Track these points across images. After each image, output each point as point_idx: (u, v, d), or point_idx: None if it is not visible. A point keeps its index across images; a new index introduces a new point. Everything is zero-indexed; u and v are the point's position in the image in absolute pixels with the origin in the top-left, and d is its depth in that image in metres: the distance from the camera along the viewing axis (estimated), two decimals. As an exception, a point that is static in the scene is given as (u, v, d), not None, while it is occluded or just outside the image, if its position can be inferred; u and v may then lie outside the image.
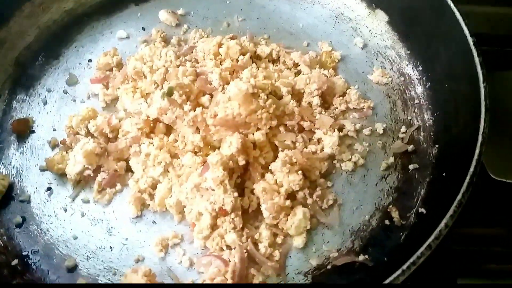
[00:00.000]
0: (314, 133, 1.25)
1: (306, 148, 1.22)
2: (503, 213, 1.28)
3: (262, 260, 1.08)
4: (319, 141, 1.25)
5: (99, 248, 1.12)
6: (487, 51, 1.44)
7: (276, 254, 1.09)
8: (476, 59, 1.09)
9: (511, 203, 1.28)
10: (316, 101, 1.28)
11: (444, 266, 1.22)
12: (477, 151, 0.97)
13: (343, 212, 1.16)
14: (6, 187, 1.18)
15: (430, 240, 0.88)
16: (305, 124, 1.24)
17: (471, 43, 1.11)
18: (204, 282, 1.05)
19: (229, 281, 1.03)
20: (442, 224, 0.89)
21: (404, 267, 0.86)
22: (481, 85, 1.06)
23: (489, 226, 1.28)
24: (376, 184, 1.20)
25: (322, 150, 1.23)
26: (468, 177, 0.94)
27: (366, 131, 1.27)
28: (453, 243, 1.23)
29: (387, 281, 0.85)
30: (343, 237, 1.12)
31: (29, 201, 1.19)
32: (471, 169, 0.95)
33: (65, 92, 1.37)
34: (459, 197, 0.92)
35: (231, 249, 1.09)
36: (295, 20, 1.51)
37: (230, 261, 1.06)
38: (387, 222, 1.13)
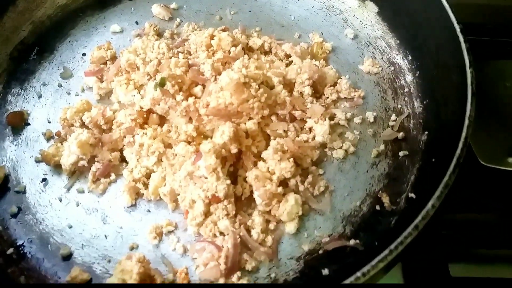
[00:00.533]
0: (306, 122, 1.27)
1: (298, 136, 1.24)
2: (493, 199, 1.30)
3: (254, 246, 1.09)
4: (310, 129, 1.26)
5: (94, 236, 1.14)
6: (476, 40, 1.47)
7: (269, 240, 1.11)
8: (463, 45, 1.11)
9: (500, 189, 1.30)
10: (307, 90, 1.29)
11: (435, 252, 1.24)
12: (463, 134, 0.99)
13: (334, 199, 1.17)
14: (1, 179, 1.19)
15: (417, 220, 0.90)
16: (297, 113, 1.26)
17: (458, 30, 1.13)
18: (198, 267, 1.07)
19: (222, 266, 1.04)
20: (429, 205, 0.91)
21: (392, 246, 0.88)
22: (468, 70, 1.07)
23: (479, 211, 1.30)
24: (367, 171, 1.22)
25: (313, 138, 1.25)
26: (454, 159, 0.95)
27: (357, 120, 1.29)
28: (443, 228, 1.26)
29: (375, 261, 0.87)
30: (334, 223, 1.14)
31: (24, 192, 1.20)
32: (458, 151, 0.96)
33: (60, 85, 1.38)
34: (445, 178, 0.94)
35: (224, 235, 1.10)
36: (286, 13, 1.53)
37: (223, 247, 1.07)
38: (377, 207, 1.15)
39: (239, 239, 1.08)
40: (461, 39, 1.11)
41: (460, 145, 0.97)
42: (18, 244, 1.12)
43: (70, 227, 1.15)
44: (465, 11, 1.33)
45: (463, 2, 1.67)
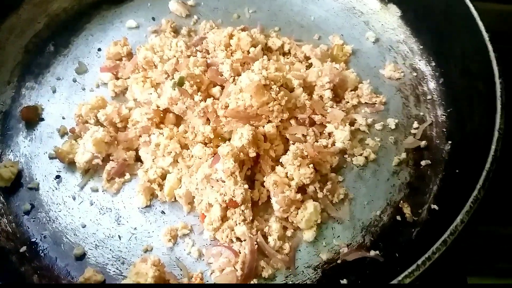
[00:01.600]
0: (325, 126, 1.24)
1: (317, 142, 1.21)
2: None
3: (271, 252, 1.07)
4: (330, 135, 1.24)
5: (108, 237, 1.12)
6: (503, 48, 1.43)
7: (286, 247, 1.09)
8: (492, 55, 1.08)
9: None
10: (327, 94, 1.26)
11: (453, 264, 1.21)
12: (493, 147, 0.96)
13: (354, 207, 1.15)
14: (15, 174, 1.17)
15: (445, 235, 0.87)
16: (316, 118, 1.23)
17: (487, 39, 1.10)
18: (214, 272, 1.05)
19: (239, 272, 1.02)
20: (458, 219, 0.88)
21: (419, 262, 0.86)
22: (497, 81, 1.04)
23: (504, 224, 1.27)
24: (388, 179, 1.19)
25: (333, 144, 1.22)
26: (484, 173, 0.93)
27: (377, 126, 1.26)
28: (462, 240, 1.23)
29: (401, 276, 0.85)
30: (353, 232, 1.12)
31: (37, 189, 1.18)
32: (488, 165, 0.94)
33: (74, 80, 1.36)
34: (475, 192, 0.91)
35: (241, 241, 1.08)
36: (306, 13, 1.50)
37: (240, 252, 1.05)
38: (398, 217, 1.13)
39: (256, 246, 1.06)
40: (490, 48, 1.09)
41: (490, 158, 0.94)
42: (31, 242, 1.10)
43: (84, 226, 1.13)
44: (490, 19, 1.31)
45: (487, 8, 1.66)
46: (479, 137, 1.05)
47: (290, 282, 1.05)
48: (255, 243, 1.06)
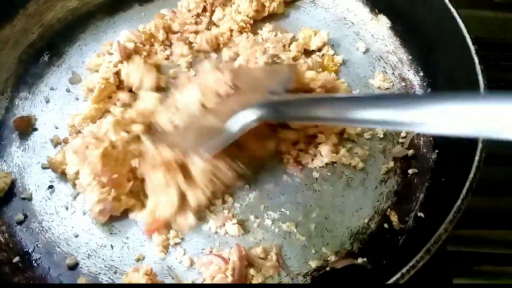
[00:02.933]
0: (316, 136, 1.26)
1: (307, 152, 1.23)
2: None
3: (259, 262, 1.09)
4: (317, 145, 1.25)
5: (100, 246, 1.13)
6: (487, 55, 1.47)
7: (271, 254, 1.11)
8: (478, 68, 1.10)
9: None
10: None
11: (439, 267, 1.24)
12: (476, 157, 0.98)
13: (342, 215, 1.17)
14: (8, 185, 1.18)
15: (429, 244, 0.89)
16: (311, 131, 1.25)
17: (473, 52, 1.13)
18: (205, 281, 1.06)
19: (229, 278, 1.04)
20: (441, 229, 0.91)
21: (404, 270, 0.88)
22: (482, 93, 1.07)
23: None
24: (376, 187, 1.21)
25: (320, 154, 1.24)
26: (467, 183, 0.95)
27: (366, 135, 1.28)
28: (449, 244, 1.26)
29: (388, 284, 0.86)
30: (342, 239, 1.14)
31: (30, 199, 1.19)
32: (471, 175, 0.96)
33: (68, 90, 1.37)
34: (458, 202, 0.93)
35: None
36: (297, 23, 1.52)
37: (229, 259, 1.07)
38: (386, 225, 1.15)
39: (244, 251, 1.08)
40: (476, 61, 1.11)
41: (474, 168, 0.96)
42: (24, 252, 1.11)
43: (76, 236, 1.14)
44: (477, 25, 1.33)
45: (475, 15, 1.70)
46: (464, 146, 1.07)
47: (281, 290, 1.07)
48: (243, 249, 1.08)
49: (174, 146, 1.12)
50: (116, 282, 1.08)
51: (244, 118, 1.07)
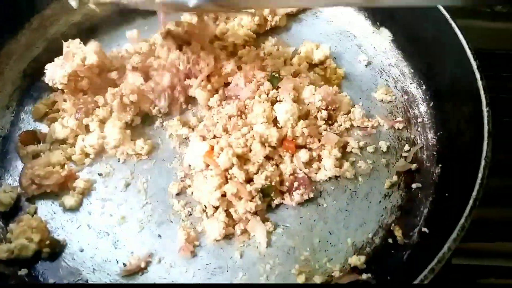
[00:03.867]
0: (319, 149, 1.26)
1: (311, 166, 1.24)
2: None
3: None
4: (319, 157, 1.25)
5: (105, 261, 1.14)
6: (488, 65, 1.47)
7: None
8: (479, 83, 1.11)
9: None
10: (323, 114, 1.29)
11: (444, 281, 1.24)
12: (479, 175, 0.99)
13: (346, 229, 1.17)
14: (14, 199, 1.19)
15: (433, 263, 0.90)
16: (314, 146, 1.25)
17: (475, 67, 1.13)
18: None
19: None
20: (445, 248, 0.91)
21: (409, 289, 0.88)
22: (484, 109, 1.08)
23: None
24: (380, 202, 1.22)
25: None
26: (471, 201, 0.95)
27: (369, 149, 1.29)
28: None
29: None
30: (346, 254, 1.14)
31: (35, 213, 1.20)
32: (474, 193, 0.96)
33: (73, 104, 1.38)
34: (462, 221, 0.94)
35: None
36: (300, 36, 1.53)
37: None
38: (390, 240, 1.15)
39: None
40: (478, 76, 1.12)
41: (477, 186, 0.97)
42: (30, 266, 1.12)
43: (82, 250, 1.15)
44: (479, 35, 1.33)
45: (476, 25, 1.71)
46: (468, 162, 1.08)
47: (284, 304, 1.07)
48: None
49: None
50: (121, 297, 1.08)
51: None
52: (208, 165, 1.20)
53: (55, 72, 1.28)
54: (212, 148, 1.20)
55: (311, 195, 1.20)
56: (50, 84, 1.31)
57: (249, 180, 1.18)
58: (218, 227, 1.14)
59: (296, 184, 1.19)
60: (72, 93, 1.31)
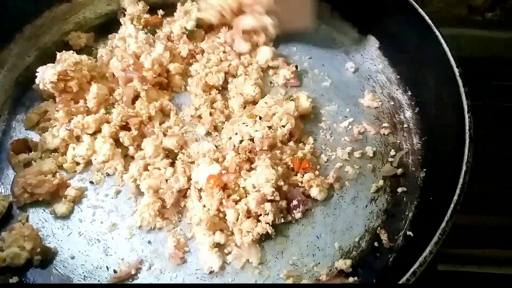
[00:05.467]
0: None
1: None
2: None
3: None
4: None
5: (96, 268, 1.15)
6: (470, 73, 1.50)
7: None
8: (462, 90, 1.13)
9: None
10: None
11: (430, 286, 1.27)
12: (461, 180, 1.01)
13: (334, 234, 1.19)
14: (6, 208, 1.20)
15: (415, 266, 0.92)
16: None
17: (457, 74, 1.16)
18: None
19: None
20: (427, 251, 0.93)
21: (391, 292, 0.90)
22: (466, 115, 1.10)
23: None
24: (366, 206, 1.24)
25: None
26: (452, 206, 0.98)
27: (356, 154, 1.32)
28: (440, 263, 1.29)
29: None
30: (333, 258, 1.16)
31: (27, 221, 1.21)
32: (455, 198, 0.99)
33: (64, 112, 1.40)
34: (443, 224, 0.96)
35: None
36: (288, 44, 1.55)
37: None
38: (376, 244, 1.17)
39: None
40: (460, 83, 1.14)
41: (458, 191, 0.99)
42: (21, 274, 1.13)
43: (73, 257, 1.16)
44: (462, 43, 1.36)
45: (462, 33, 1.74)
46: (451, 167, 1.10)
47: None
48: None
49: None
50: (111, 303, 1.10)
51: None
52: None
53: (46, 72, 1.28)
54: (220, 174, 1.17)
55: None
56: (41, 86, 1.30)
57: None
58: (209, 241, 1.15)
59: (295, 202, 1.20)
60: (61, 94, 1.30)
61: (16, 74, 1.43)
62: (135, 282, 1.13)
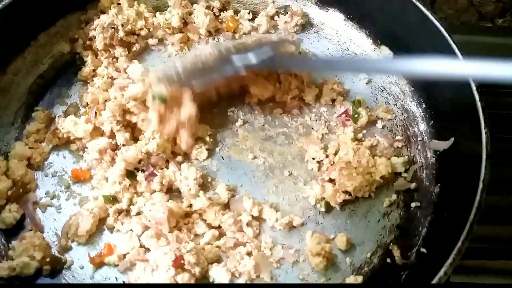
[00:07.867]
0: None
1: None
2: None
3: None
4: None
5: (105, 278, 1.15)
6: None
7: None
8: (478, 105, 1.11)
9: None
10: None
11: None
12: (477, 198, 0.99)
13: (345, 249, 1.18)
14: (17, 220, 1.20)
15: None
16: None
17: (474, 88, 1.14)
18: None
19: None
20: (442, 271, 0.91)
21: (405, 314, 0.88)
22: (483, 131, 1.08)
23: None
24: (379, 221, 1.22)
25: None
26: (468, 225, 0.95)
27: (369, 167, 1.30)
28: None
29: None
30: (344, 274, 1.14)
31: (42, 231, 1.21)
32: (471, 216, 0.96)
33: (78, 120, 1.40)
34: (458, 245, 0.94)
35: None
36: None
37: None
38: (388, 260, 1.15)
39: None
40: (477, 97, 1.12)
41: (474, 210, 0.97)
42: (30, 282, 1.13)
43: (82, 268, 1.16)
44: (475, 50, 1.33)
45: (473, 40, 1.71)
46: (467, 183, 1.08)
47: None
48: None
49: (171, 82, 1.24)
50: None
51: (246, 59, 1.23)
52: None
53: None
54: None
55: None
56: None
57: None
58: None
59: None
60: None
61: (30, 82, 1.43)
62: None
